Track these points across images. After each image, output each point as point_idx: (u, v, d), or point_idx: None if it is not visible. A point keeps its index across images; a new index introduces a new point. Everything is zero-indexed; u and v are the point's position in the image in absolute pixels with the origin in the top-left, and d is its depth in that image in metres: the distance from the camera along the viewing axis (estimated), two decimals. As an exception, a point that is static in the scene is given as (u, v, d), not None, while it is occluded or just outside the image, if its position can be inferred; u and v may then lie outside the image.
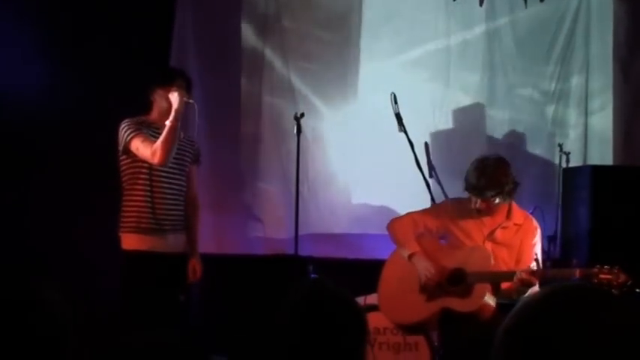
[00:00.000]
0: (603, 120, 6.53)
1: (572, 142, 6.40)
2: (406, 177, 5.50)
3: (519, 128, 6.56)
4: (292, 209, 5.10)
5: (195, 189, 4.69)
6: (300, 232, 5.22)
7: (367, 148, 6.15)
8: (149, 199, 4.38)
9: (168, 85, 4.42)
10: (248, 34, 6.27)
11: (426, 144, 5.15)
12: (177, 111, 4.32)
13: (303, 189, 5.73)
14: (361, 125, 6.22)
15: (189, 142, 4.63)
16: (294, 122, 4.99)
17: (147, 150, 4.31)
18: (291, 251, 5.10)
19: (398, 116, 4.78)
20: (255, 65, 6.28)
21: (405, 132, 4.74)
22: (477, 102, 6.50)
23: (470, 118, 6.52)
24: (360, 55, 6.38)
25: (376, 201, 6.10)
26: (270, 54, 6.27)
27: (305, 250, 5.39)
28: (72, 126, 5.53)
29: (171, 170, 4.45)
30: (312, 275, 5.02)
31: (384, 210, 5.82)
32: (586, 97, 6.53)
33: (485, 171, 4.08)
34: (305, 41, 6.32)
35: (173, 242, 4.50)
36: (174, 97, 4.33)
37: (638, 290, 4.95)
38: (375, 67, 6.36)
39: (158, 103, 4.49)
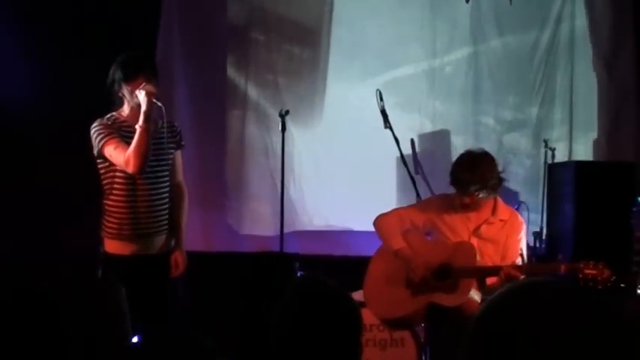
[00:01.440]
0: (588, 116, 6.55)
1: (557, 138, 6.42)
2: (392, 173, 5.54)
3: (505, 124, 6.58)
4: (278, 206, 5.09)
5: (180, 175, 4.41)
6: (286, 230, 5.23)
7: (353, 144, 6.15)
8: (131, 204, 4.16)
9: (133, 79, 4.12)
10: (237, 19, 6.26)
11: (412, 140, 5.17)
12: (145, 113, 4.03)
13: (289, 186, 5.75)
14: (347, 122, 6.22)
15: (169, 127, 4.26)
16: (279, 119, 4.98)
17: (120, 157, 4.08)
18: (277, 248, 5.09)
19: (383, 113, 4.78)
20: (242, 57, 6.27)
21: (391, 128, 4.74)
22: (462, 98, 6.52)
23: (456, 111, 6.55)
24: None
25: (362, 198, 6.08)
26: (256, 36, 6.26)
27: (291, 248, 5.41)
28: (59, 125, 5.50)
29: (151, 168, 4.19)
30: (299, 273, 5.02)
31: (370, 207, 5.79)
32: (571, 94, 6.56)
33: (469, 165, 4.08)
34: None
35: (158, 244, 4.30)
36: (142, 98, 4.04)
37: (622, 285, 4.99)
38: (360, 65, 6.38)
39: (127, 99, 4.19)
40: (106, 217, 4.22)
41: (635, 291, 5.24)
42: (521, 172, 6.42)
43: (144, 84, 4.08)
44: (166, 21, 6.05)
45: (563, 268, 3.94)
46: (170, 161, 4.30)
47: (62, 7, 5.69)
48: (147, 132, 4.04)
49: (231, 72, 6.29)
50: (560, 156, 6.21)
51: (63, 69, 5.64)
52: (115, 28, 5.64)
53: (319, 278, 2.25)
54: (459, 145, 6.05)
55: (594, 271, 3.81)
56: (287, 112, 5.01)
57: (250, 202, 6.21)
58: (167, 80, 5.79)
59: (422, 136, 6.30)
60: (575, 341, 1.13)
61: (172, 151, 4.31)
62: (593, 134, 6.50)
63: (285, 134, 5.05)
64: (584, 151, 6.48)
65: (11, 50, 5.53)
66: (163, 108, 4.10)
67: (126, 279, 4.11)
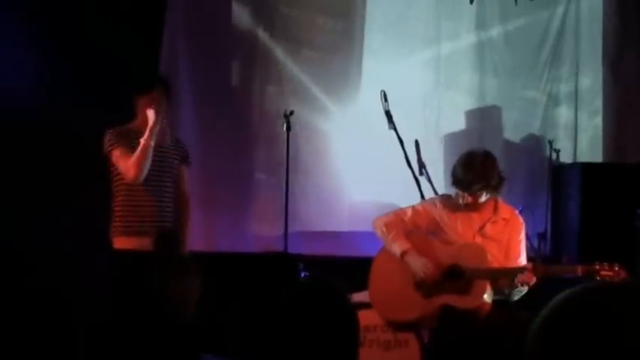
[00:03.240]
0: (593, 117, 6.55)
1: (562, 139, 6.42)
2: (396, 174, 5.51)
3: (509, 126, 6.58)
4: (282, 206, 5.08)
5: (183, 187, 4.67)
6: (290, 230, 5.21)
7: (358, 145, 6.16)
8: (135, 207, 4.43)
9: (146, 93, 4.45)
10: (242, 20, 6.26)
11: (417, 141, 5.14)
12: (151, 129, 4.33)
13: (293, 186, 5.74)
14: (352, 123, 6.22)
15: (175, 143, 4.64)
16: (284, 120, 4.97)
17: (122, 166, 4.37)
18: (281, 249, 5.08)
19: (388, 114, 4.78)
20: (249, 56, 6.28)
21: (395, 129, 4.73)
22: (468, 101, 6.52)
23: (461, 116, 6.55)
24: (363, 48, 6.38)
25: (366, 198, 6.14)
26: (264, 40, 6.26)
27: (295, 248, 5.39)
28: (63, 126, 5.50)
29: (155, 177, 4.46)
30: (303, 273, 5.01)
31: (374, 207, 5.80)
32: (576, 95, 6.56)
33: (471, 165, 4.07)
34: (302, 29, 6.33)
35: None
36: (151, 114, 4.35)
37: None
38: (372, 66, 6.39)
39: (140, 111, 4.49)
40: (114, 215, 4.47)
41: (640, 293, 5.23)
42: (528, 168, 6.41)
43: (154, 105, 4.38)
44: (172, 12, 6.05)
45: (580, 270, 3.91)
46: (174, 172, 4.58)
47: (69, 9, 5.70)
48: (148, 148, 4.32)
49: (236, 72, 6.28)
50: (565, 157, 6.19)
51: (67, 70, 5.64)
52: (121, 27, 5.65)
53: (314, 279, 2.25)
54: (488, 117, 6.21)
55: (611, 273, 3.79)
56: (292, 113, 5.00)
57: (254, 202, 6.22)
58: (172, 76, 5.81)
59: (468, 113, 6.36)
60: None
61: (177, 162, 4.61)
62: (598, 133, 6.49)
63: (291, 134, 5.04)
64: (589, 152, 6.47)
65: (17, 50, 5.54)
66: (169, 128, 4.44)
67: (133, 274, 4.32)
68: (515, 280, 3.93)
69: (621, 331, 1.15)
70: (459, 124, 6.60)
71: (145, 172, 4.35)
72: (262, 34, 6.27)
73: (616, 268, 3.80)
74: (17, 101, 5.43)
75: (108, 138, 4.42)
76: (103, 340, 4.48)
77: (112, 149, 4.39)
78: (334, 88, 6.33)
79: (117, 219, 4.46)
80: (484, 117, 6.62)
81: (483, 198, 4.10)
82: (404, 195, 4.98)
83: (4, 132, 5.48)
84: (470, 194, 4.07)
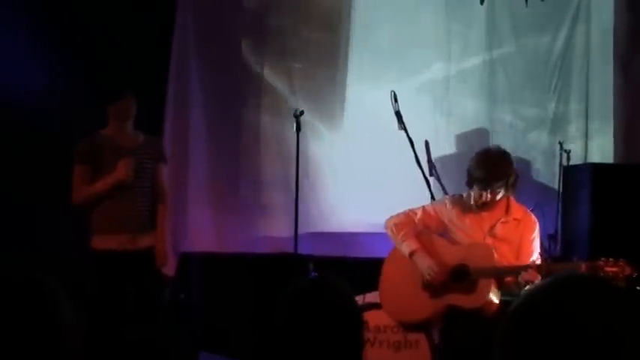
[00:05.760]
0: (604, 118, 6.55)
1: (572, 140, 6.41)
2: (406, 175, 5.52)
3: (520, 127, 6.58)
4: (292, 207, 5.09)
5: (160, 186, 4.79)
6: (301, 231, 5.22)
7: (367, 146, 6.17)
8: (109, 204, 4.57)
9: (118, 100, 4.62)
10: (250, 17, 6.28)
11: (427, 142, 5.15)
12: (119, 180, 4.53)
13: (303, 187, 5.74)
14: (363, 123, 6.23)
15: (148, 142, 4.79)
16: (294, 120, 4.98)
17: (74, 186, 4.58)
18: (291, 250, 5.09)
19: (398, 114, 4.79)
20: (258, 48, 6.32)
21: (405, 130, 4.74)
22: (478, 101, 6.54)
23: (472, 117, 6.56)
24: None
25: (377, 199, 6.09)
26: (270, 50, 6.30)
27: (305, 249, 5.37)
28: (73, 128, 5.52)
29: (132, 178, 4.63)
30: (313, 274, 5.01)
31: (384, 208, 5.80)
32: (586, 96, 6.55)
33: (489, 162, 4.07)
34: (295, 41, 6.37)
35: (141, 241, 4.65)
36: (121, 169, 4.53)
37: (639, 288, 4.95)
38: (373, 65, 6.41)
39: (112, 117, 4.67)
40: (92, 216, 4.64)
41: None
42: (539, 169, 6.42)
43: (127, 159, 4.54)
44: (182, 12, 6.08)
45: (583, 266, 3.92)
46: (148, 171, 4.72)
47: (77, 9, 5.73)
48: (101, 193, 4.54)
49: (247, 67, 6.31)
50: (576, 158, 6.19)
51: (77, 64, 5.67)
52: (131, 27, 5.68)
53: (317, 278, 2.25)
54: (500, 118, 6.25)
55: (615, 269, 3.78)
56: (302, 113, 5.00)
57: (264, 203, 6.24)
58: (183, 79, 5.84)
59: (458, 110, 6.43)
60: (613, 333, 1.15)
61: (151, 162, 4.74)
62: (609, 136, 6.49)
63: (300, 135, 5.06)
64: (599, 153, 6.47)
65: (26, 51, 5.56)
66: (132, 162, 4.56)
67: (111, 273, 4.42)
68: (520, 278, 3.93)
69: (587, 321, 1.16)
70: (469, 125, 6.61)
71: (88, 205, 4.56)
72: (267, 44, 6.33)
73: (621, 264, 3.79)
74: (27, 101, 5.48)
75: (77, 151, 4.61)
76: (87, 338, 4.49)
77: (75, 164, 4.59)
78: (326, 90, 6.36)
79: (93, 218, 4.62)
80: (494, 119, 6.62)
81: (500, 196, 4.11)
82: (415, 196, 4.98)
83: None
84: (490, 192, 4.06)
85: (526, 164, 6.30)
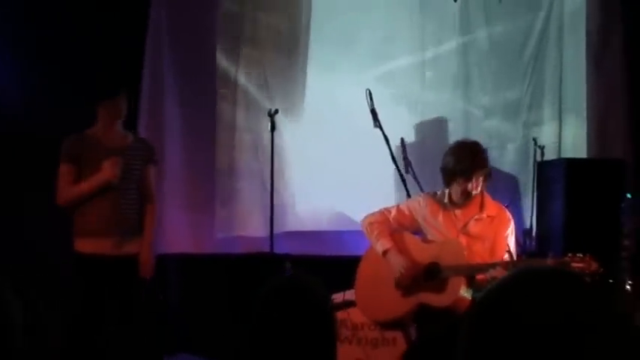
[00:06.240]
0: (577, 114, 6.59)
1: (546, 136, 6.46)
2: (383, 173, 5.54)
3: (494, 124, 6.61)
4: (268, 207, 5.08)
5: (149, 188, 4.67)
6: (277, 230, 5.22)
7: (344, 143, 6.16)
8: (93, 206, 4.44)
9: (112, 97, 4.48)
10: (221, 50, 6.26)
11: (402, 140, 5.17)
12: (105, 181, 4.40)
13: (279, 186, 5.73)
14: (337, 120, 6.23)
15: (138, 143, 4.66)
16: (269, 119, 4.98)
17: (59, 185, 4.45)
18: (267, 249, 5.08)
19: (373, 112, 4.78)
20: (231, 57, 6.28)
21: (381, 127, 4.74)
22: (449, 91, 6.56)
23: (443, 108, 6.58)
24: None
25: (353, 197, 6.09)
26: (245, 49, 6.27)
27: (282, 248, 5.38)
28: (40, 127, 5.49)
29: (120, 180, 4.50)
30: (289, 273, 5.01)
31: (361, 206, 5.81)
32: (560, 92, 6.60)
33: (467, 152, 4.09)
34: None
35: (126, 246, 4.52)
36: (107, 169, 4.40)
37: (611, 281, 5.01)
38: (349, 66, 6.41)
39: (102, 116, 4.53)
40: (76, 217, 4.49)
41: (624, 286, 5.28)
42: (513, 165, 6.45)
43: (114, 159, 4.40)
44: (155, 7, 6.05)
45: (550, 262, 3.96)
46: (136, 172, 4.58)
47: (51, 8, 5.69)
48: (86, 194, 4.40)
49: (221, 70, 6.28)
50: (549, 148, 6.23)
51: (48, 70, 5.63)
52: (104, 24, 5.64)
53: (289, 276, 2.25)
54: (474, 113, 6.27)
55: (582, 264, 3.80)
56: (276, 112, 5.01)
57: (240, 202, 6.20)
58: (157, 74, 5.79)
59: (451, 112, 6.44)
60: (571, 326, 1.18)
61: (140, 163, 4.59)
62: (583, 130, 6.54)
63: (275, 133, 5.05)
64: (572, 145, 6.52)
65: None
66: (121, 161, 4.43)
67: (90, 278, 4.35)
68: (489, 275, 3.95)
69: (548, 314, 1.19)
70: (442, 124, 6.61)
71: (74, 205, 4.44)
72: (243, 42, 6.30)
73: (587, 259, 3.83)
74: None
75: (63, 147, 4.48)
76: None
77: (61, 162, 4.46)
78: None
79: (76, 220, 4.49)
80: (468, 117, 6.64)
81: (479, 189, 4.13)
82: (391, 194, 5.00)
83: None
84: (475, 181, 4.07)
85: (500, 155, 6.34)
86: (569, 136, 6.57)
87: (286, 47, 6.40)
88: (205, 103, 6.22)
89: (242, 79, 6.28)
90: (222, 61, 6.26)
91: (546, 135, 6.48)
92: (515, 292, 1.23)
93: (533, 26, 6.59)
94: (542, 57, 6.60)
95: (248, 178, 6.21)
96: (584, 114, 6.49)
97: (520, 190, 6.26)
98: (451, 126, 6.56)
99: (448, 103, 6.57)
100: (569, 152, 6.48)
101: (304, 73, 6.46)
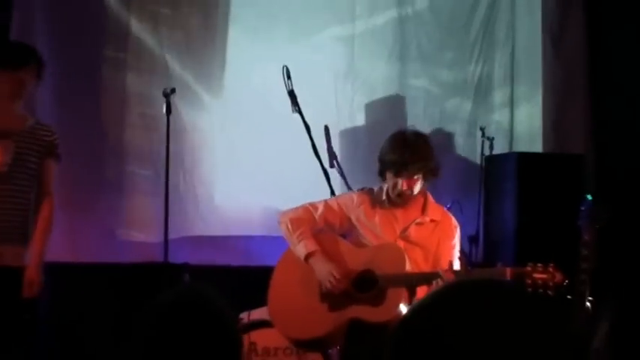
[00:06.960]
0: (531, 100, 6.65)
1: (496, 126, 6.49)
2: (301, 166, 5.46)
3: (436, 111, 6.62)
4: (162, 207, 4.94)
5: (46, 187, 4.53)
6: (175, 235, 5.13)
7: (255, 131, 6.13)
8: None
9: (16, 69, 4.35)
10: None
11: (326, 127, 5.09)
12: None
13: (177, 182, 5.62)
14: (247, 105, 6.18)
15: (35, 130, 4.48)
16: (164, 99, 4.80)
17: None
18: (161, 258, 4.95)
19: (291, 94, 4.72)
20: (119, 34, 6.14)
21: (300, 112, 4.68)
22: (387, 64, 6.51)
23: (381, 83, 6.54)
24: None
25: (265, 197, 6.06)
26: (136, 23, 6.12)
27: (179, 257, 5.28)
28: None
29: (7, 170, 4.34)
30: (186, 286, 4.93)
31: (274, 207, 5.75)
32: (512, 76, 6.65)
33: (406, 143, 4.06)
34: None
35: (7, 254, 4.36)
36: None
37: (569, 297, 5.01)
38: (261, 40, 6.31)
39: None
40: None
41: (584, 303, 5.29)
42: (456, 160, 6.46)
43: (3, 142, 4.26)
44: None
45: (509, 272, 3.94)
46: (31, 166, 4.43)
47: None
48: None
49: (108, 48, 6.13)
50: (499, 147, 6.25)
51: None
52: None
53: (193, 289, 2.16)
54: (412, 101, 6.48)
55: (545, 275, 3.85)
56: (173, 91, 4.82)
57: (129, 201, 6.06)
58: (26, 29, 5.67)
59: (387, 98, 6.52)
60: (502, 342, 1.21)
61: (35, 154, 4.44)
62: (538, 120, 6.59)
63: (172, 118, 4.88)
64: (526, 141, 6.57)
65: None
66: (12, 147, 4.31)
67: None
68: (435, 283, 3.92)
69: (482, 335, 1.21)
70: (376, 111, 6.60)
71: None
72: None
73: (550, 270, 3.84)
74: None
75: None
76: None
77: None
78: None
79: None
80: (403, 100, 6.63)
81: (419, 187, 4.08)
82: (309, 191, 4.94)
83: None
84: (407, 177, 4.02)
85: (443, 154, 6.32)
86: (522, 127, 6.61)
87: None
88: (89, 81, 6.07)
89: (133, 31, 6.10)
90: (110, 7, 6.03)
91: (496, 125, 6.50)
92: (445, 310, 1.24)
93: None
94: (492, 33, 6.63)
95: (140, 172, 6.09)
96: (540, 99, 6.53)
97: (464, 189, 6.25)
98: (385, 109, 6.53)
99: (383, 77, 6.52)
100: (521, 145, 6.51)
101: (224, 37, 6.32)
